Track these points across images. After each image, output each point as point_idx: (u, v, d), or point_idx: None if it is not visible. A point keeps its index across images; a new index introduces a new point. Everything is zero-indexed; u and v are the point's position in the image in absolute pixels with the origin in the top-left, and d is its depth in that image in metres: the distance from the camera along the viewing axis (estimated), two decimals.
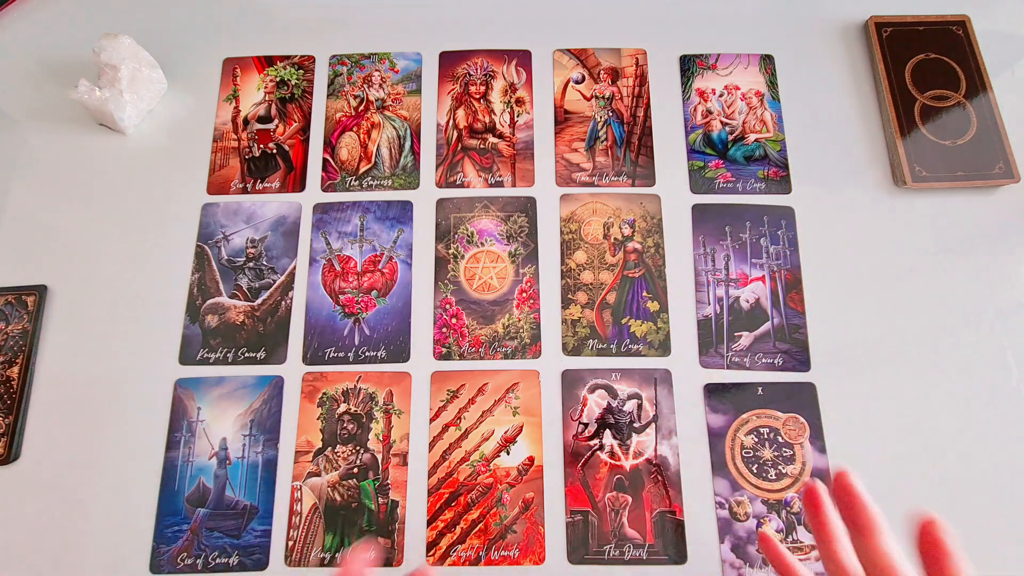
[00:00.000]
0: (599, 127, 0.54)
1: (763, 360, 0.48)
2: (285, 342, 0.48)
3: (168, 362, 0.48)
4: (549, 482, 0.45)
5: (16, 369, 0.47)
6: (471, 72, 0.56)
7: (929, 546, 0.26)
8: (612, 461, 0.45)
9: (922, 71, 0.54)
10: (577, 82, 0.56)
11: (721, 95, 0.55)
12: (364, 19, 0.58)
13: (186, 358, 0.48)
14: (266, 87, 0.56)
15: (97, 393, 0.47)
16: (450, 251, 0.51)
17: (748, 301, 0.49)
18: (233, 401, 0.47)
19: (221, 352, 0.48)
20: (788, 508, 0.44)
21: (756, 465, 0.45)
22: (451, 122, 0.55)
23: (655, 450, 0.46)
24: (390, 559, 0.43)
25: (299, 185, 0.53)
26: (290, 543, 0.44)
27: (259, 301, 0.50)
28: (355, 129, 0.55)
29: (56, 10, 0.59)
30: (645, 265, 0.50)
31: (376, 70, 0.57)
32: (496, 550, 0.44)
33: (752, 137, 0.54)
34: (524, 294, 0.50)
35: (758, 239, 0.51)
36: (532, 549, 0.44)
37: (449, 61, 0.57)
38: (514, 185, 0.53)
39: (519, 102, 0.55)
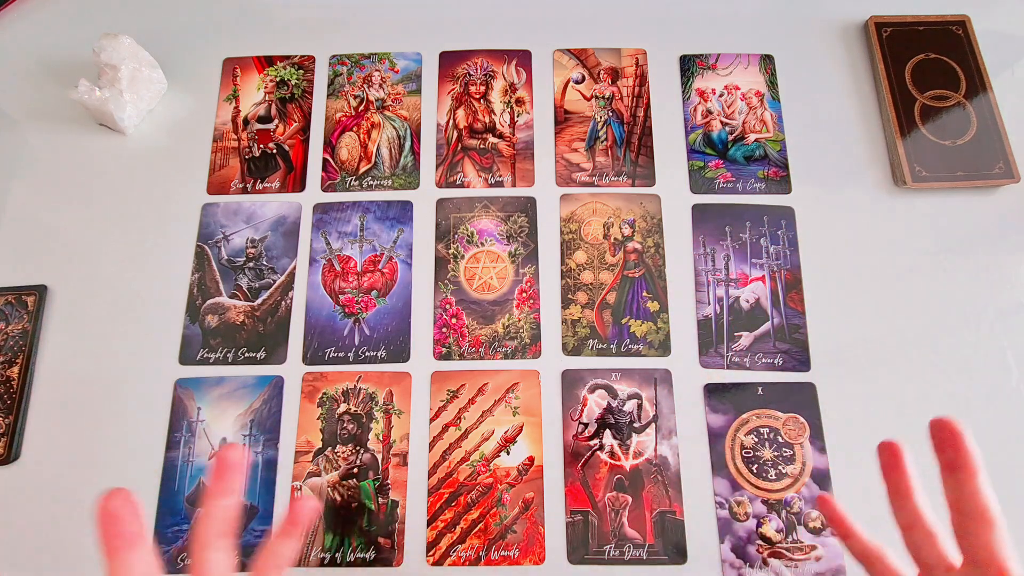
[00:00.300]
0: (599, 127, 0.54)
1: (763, 360, 0.48)
2: (285, 342, 0.48)
3: (168, 362, 0.48)
4: (549, 482, 0.45)
5: (16, 369, 0.47)
6: (471, 72, 0.56)
7: (945, 438, 0.27)
8: (612, 461, 0.45)
9: (922, 71, 0.54)
10: (577, 82, 0.56)
11: (721, 95, 0.55)
12: (364, 19, 0.58)
13: (186, 358, 0.48)
14: (266, 87, 0.56)
15: (97, 393, 0.47)
16: (450, 251, 0.51)
17: (748, 301, 0.49)
18: (233, 401, 0.47)
19: (221, 352, 0.48)
20: (788, 508, 0.44)
21: (756, 465, 0.45)
22: (451, 122, 0.55)
23: (655, 450, 0.46)
24: (390, 559, 0.43)
25: (299, 185, 0.53)
26: None
27: (259, 301, 0.50)
28: (355, 129, 0.55)
29: (56, 10, 0.59)
30: (645, 265, 0.50)
31: (376, 70, 0.57)
32: (496, 550, 0.44)
33: (752, 137, 0.54)
34: (524, 294, 0.50)
35: (758, 239, 0.51)
36: (532, 549, 0.44)
37: (449, 61, 0.57)
38: (514, 185, 0.53)
39: (519, 102, 0.55)
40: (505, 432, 0.46)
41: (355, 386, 0.47)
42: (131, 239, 0.51)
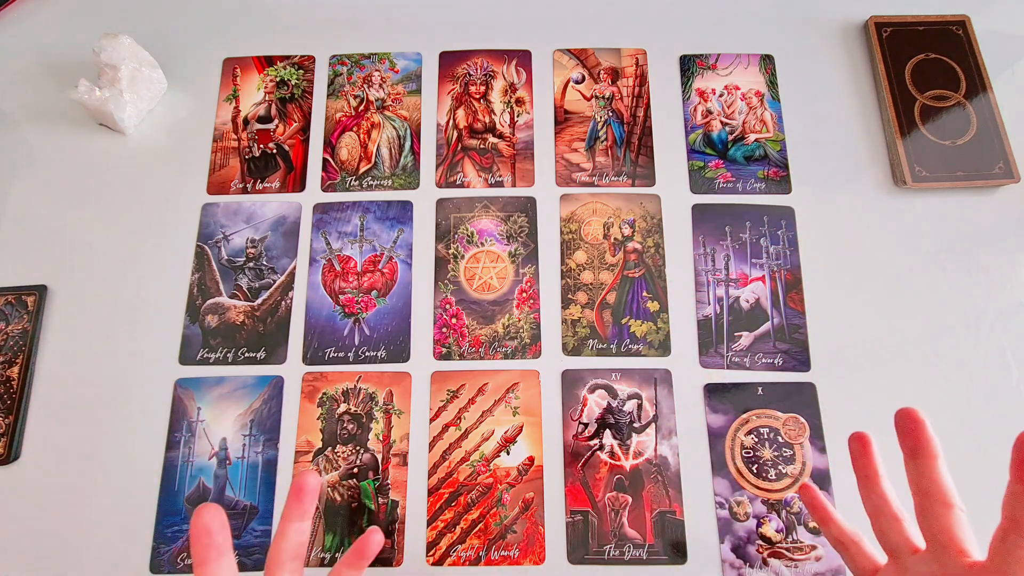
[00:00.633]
0: (599, 127, 0.54)
1: (763, 360, 0.48)
2: (285, 342, 0.48)
3: (168, 362, 0.48)
4: (549, 482, 0.45)
5: (16, 369, 0.47)
6: (471, 72, 0.56)
7: (907, 426, 0.29)
8: (612, 461, 0.45)
9: (922, 71, 0.54)
10: (577, 82, 0.56)
11: (721, 95, 0.55)
12: (364, 19, 0.58)
13: (186, 358, 0.48)
14: (266, 87, 0.56)
15: (97, 393, 0.47)
16: (450, 251, 0.51)
17: (748, 301, 0.49)
18: (233, 401, 0.47)
19: (221, 352, 0.48)
20: (788, 508, 0.44)
21: (756, 465, 0.45)
22: (451, 122, 0.55)
23: (655, 450, 0.46)
24: (390, 559, 0.43)
25: (299, 185, 0.53)
26: None
27: (259, 301, 0.50)
28: (355, 129, 0.55)
29: (56, 10, 0.59)
30: (645, 265, 0.50)
31: (376, 70, 0.57)
32: (496, 550, 0.44)
33: (752, 137, 0.54)
34: (524, 294, 0.50)
35: (758, 239, 0.51)
36: (532, 549, 0.44)
37: (449, 61, 0.57)
38: (514, 185, 0.53)
39: (519, 102, 0.55)
40: (505, 432, 0.46)
41: (355, 386, 0.47)
42: (131, 239, 0.51)
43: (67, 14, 0.59)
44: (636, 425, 0.46)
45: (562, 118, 0.55)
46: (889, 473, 0.32)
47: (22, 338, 0.48)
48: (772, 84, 0.55)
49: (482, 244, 0.51)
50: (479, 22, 0.58)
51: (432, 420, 0.46)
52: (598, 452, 0.46)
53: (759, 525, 0.44)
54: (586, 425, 0.46)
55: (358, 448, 0.46)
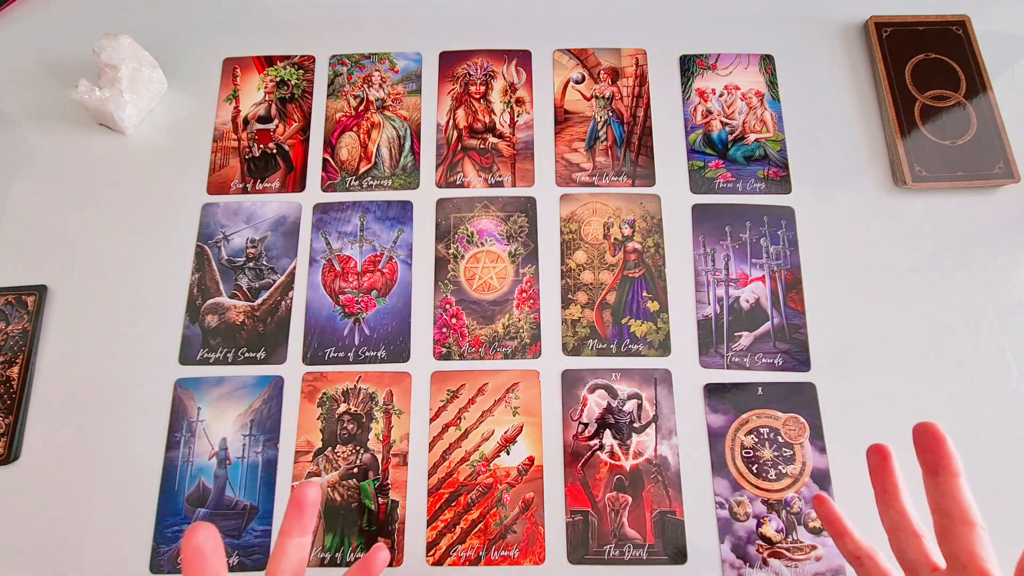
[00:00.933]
0: (599, 127, 0.54)
1: (763, 360, 0.48)
2: (285, 342, 0.48)
3: (168, 362, 0.48)
4: (549, 482, 0.45)
5: (16, 369, 0.47)
6: (471, 72, 0.56)
7: (927, 442, 0.28)
8: (612, 461, 0.45)
9: (922, 71, 0.54)
10: (577, 82, 0.56)
11: (721, 95, 0.55)
12: (364, 19, 0.58)
13: (186, 358, 0.48)
14: (266, 87, 0.56)
15: (97, 393, 0.47)
16: (450, 251, 0.51)
17: (748, 301, 0.49)
18: (233, 401, 0.47)
19: (221, 352, 0.48)
20: (788, 508, 0.44)
21: (756, 465, 0.45)
22: (451, 122, 0.55)
23: (655, 450, 0.46)
24: (390, 559, 0.43)
25: (299, 185, 0.53)
26: None
27: (259, 301, 0.50)
28: (355, 129, 0.55)
29: (56, 10, 0.59)
30: (645, 265, 0.50)
31: (376, 70, 0.57)
32: (496, 550, 0.44)
33: (752, 137, 0.54)
34: (524, 294, 0.50)
35: (758, 239, 0.51)
36: (532, 549, 0.44)
37: (449, 61, 0.57)
38: (514, 185, 0.53)
39: (519, 102, 0.55)
40: (505, 432, 0.46)
41: (355, 386, 0.47)
42: (131, 239, 0.51)
43: (67, 14, 0.59)
44: (636, 425, 0.46)
45: (562, 118, 0.55)
46: (904, 480, 0.31)
47: (22, 338, 0.48)
48: (772, 84, 0.55)
49: (482, 244, 0.51)
50: (479, 22, 0.58)
51: (432, 420, 0.46)
52: (598, 452, 0.46)
53: (759, 525, 0.44)
54: (586, 425, 0.46)
55: (358, 448, 0.46)
